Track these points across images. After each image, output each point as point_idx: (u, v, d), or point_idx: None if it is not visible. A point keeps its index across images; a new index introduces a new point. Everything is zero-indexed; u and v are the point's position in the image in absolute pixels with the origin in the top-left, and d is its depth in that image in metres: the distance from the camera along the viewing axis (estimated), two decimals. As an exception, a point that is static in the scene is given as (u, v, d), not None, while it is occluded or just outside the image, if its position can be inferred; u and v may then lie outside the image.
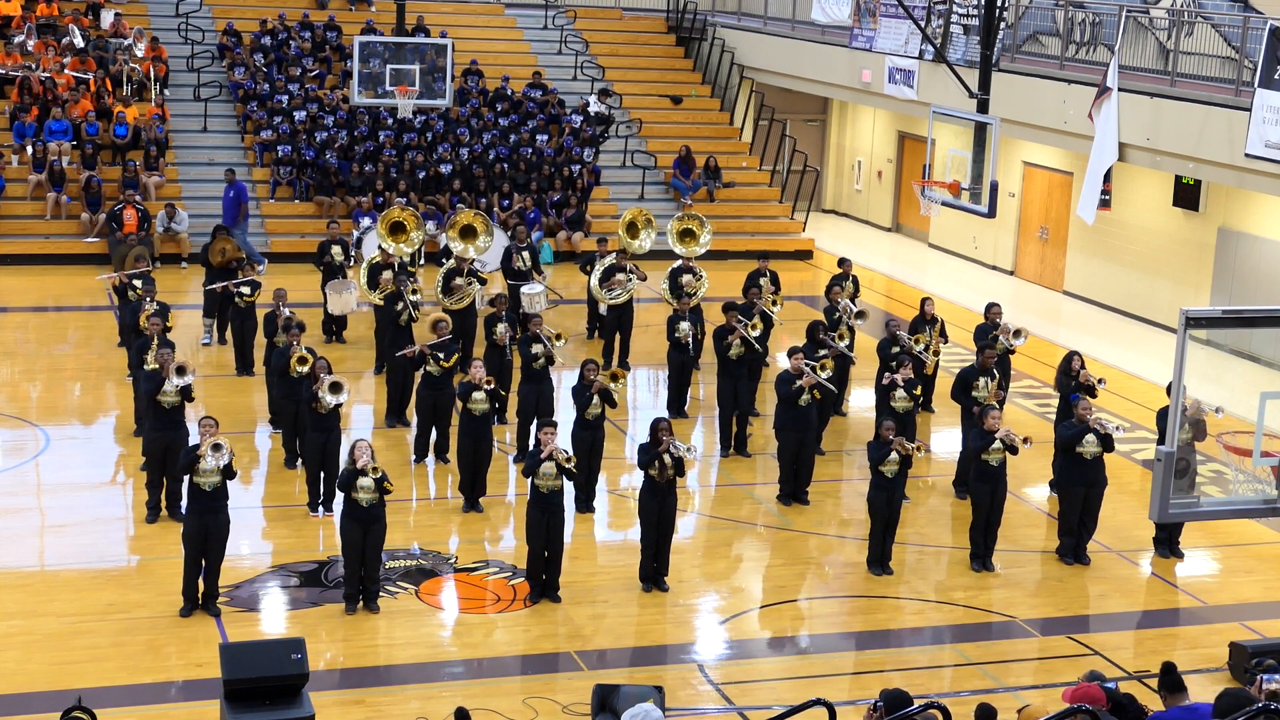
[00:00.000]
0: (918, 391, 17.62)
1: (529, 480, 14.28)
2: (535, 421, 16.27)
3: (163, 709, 12.30)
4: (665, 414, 19.58)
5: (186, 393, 15.67)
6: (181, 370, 15.42)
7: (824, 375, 16.85)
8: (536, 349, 17.57)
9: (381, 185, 28.21)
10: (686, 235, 22.87)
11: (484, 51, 33.31)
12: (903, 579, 15.31)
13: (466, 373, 16.47)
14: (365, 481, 13.68)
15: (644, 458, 14.42)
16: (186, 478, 13.91)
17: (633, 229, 23.14)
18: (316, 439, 16.03)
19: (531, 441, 15.73)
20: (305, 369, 16.48)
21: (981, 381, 17.29)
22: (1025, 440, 15.34)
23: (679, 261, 21.84)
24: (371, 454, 13.77)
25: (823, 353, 17.87)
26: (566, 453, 14.30)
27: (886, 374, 17.67)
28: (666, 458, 14.31)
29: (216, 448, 13.55)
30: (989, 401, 16.78)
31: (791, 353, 17.11)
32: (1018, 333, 18.64)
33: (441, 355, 17.25)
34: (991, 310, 19.08)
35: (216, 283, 21.38)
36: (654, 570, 14.74)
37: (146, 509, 15.78)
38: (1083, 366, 17.33)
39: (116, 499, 16.70)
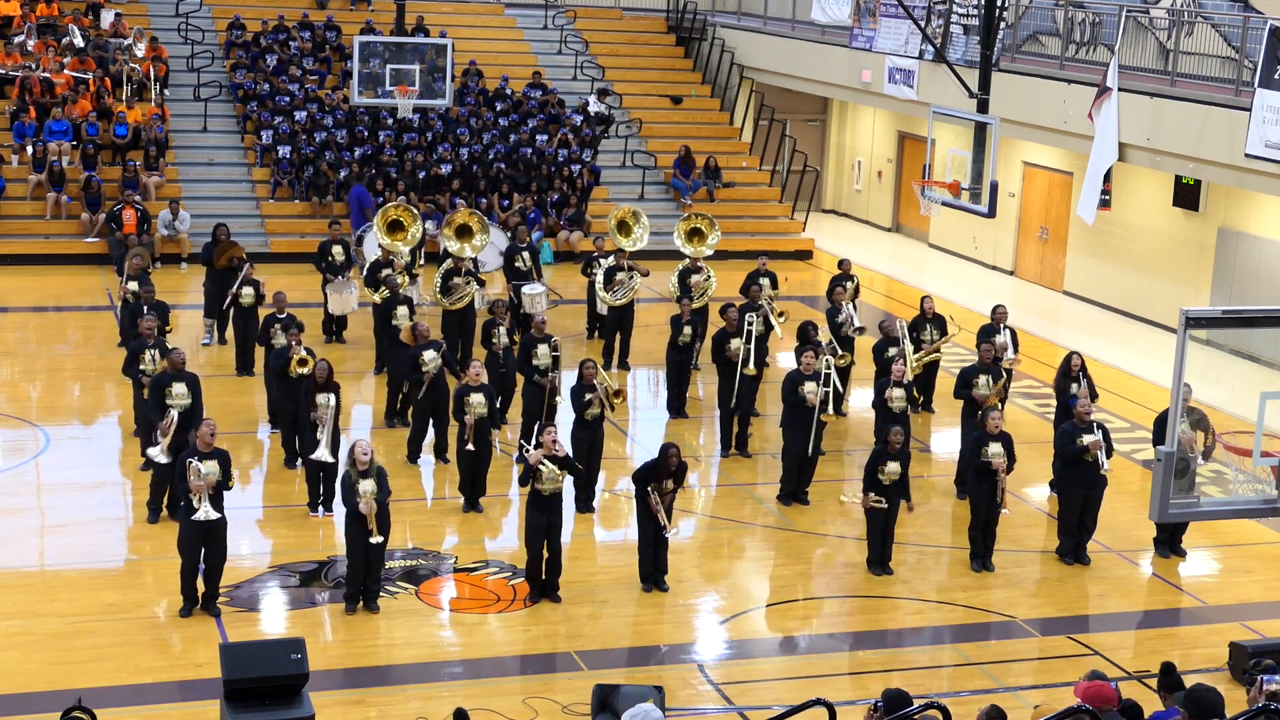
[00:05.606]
0: (915, 373, 17.45)
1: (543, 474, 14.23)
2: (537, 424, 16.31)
3: (163, 709, 12.30)
4: (665, 414, 19.66)
5: (197, 393, 15.80)
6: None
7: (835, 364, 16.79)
8: (542, 350, 17.56)
9: (381, 185, 28.22)
10: (695, 234, 22.88)
11: (484, 51, 33.32)
12: (903, 579, 15.31)
13: (465, 374, 16.48)
14: (367, 486, 13.67)
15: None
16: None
17: (624, 227, 23.16)
18: (316, 439, 16.02)
19: (532, 443, 15.75)
20: (306, 370, 16.49)
21: (982, 380, 17.29)
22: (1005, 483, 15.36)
23: (686, 262, 21.84)
24: (372, 455, 13.76)
25: (829, 348, 17.91)
26: (559, 445, 14.18)
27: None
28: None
29: (197, 472, 13.44)
30: (991, 402, 16.79)
31: (799, 352, 17.11)
32: (996, 358, 17.87)
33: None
34: (997, 312, 19.02)
35: (215, 282, 21.47)
36: (654, 570, 14.72)
37: (148, 509, 15.77)
38: (1082, 366, 17.30)
39: (116, 499, 16.69)
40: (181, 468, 13.61)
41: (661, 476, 14.33)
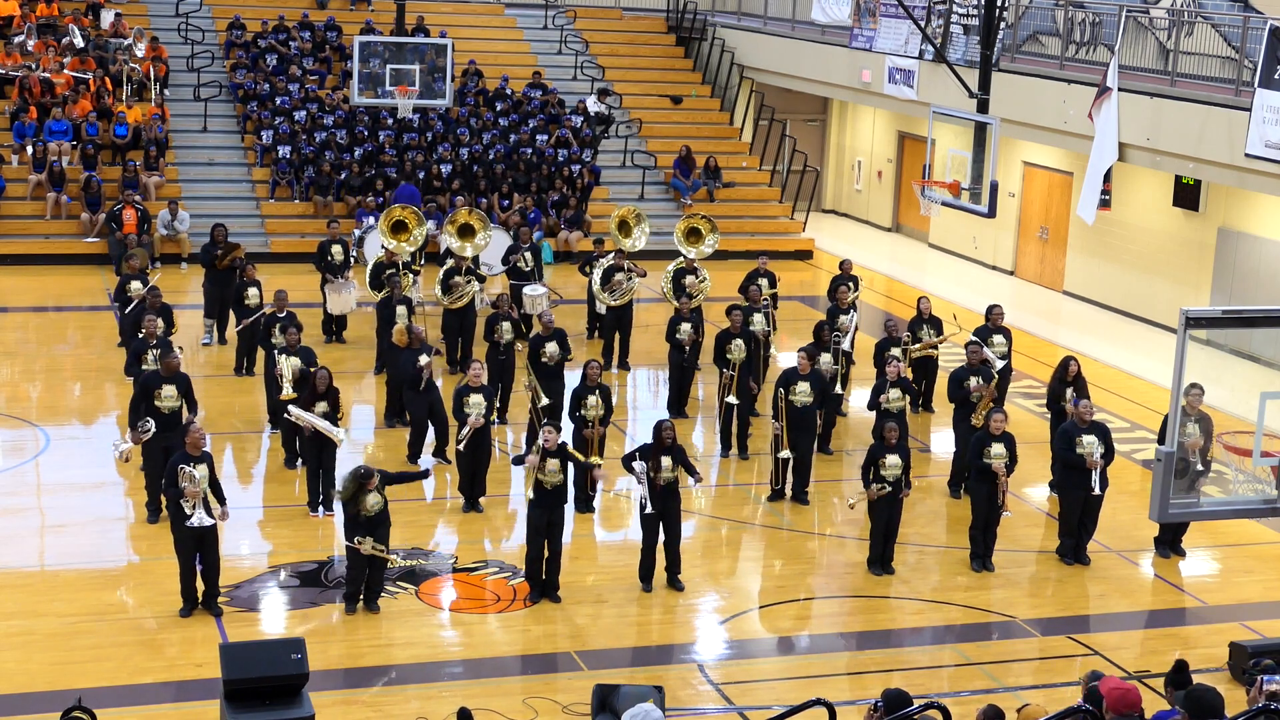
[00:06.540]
0: (909, 364, 17.48)
1: (532, 477, 14.24)
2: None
3: (163, 709, 12.30)
4: (666, 414, 19.63)
5: (189, 398, 15.79)
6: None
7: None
8: (550, 348, 17.59)
9: (381, 185, 28.22)
10: (693, 234, 22.88)
11: (484, 51, 33.32)
12: (903, 579, 15.31)
13: (465, 373, 16.48)
14: (374, 500, 13.68)
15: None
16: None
17: (624, 227, 23.17)
18: (315, 440, 16.01)
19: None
20: (292, 397, 16.48)
21: (972, 381, 17.24)
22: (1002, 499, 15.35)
23: (680, 262, 21.84)
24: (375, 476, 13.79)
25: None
26: (561, 441, 14.21)
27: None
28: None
29: (191, 478, 13.44)
30: (985, 405, 16.74)
31: (801, 349, 17.13)
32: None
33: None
34: (993, 313, 18.98)
35: (214, 282, 21.51)
36: (667, 568, 14.68)
37: (147, 509, 15.78)
38: (1079, 371, 17.24)
39: (116, 499, 16.68)
40: (172, 472, 13.60)
41: (656, 454, 14.31)
